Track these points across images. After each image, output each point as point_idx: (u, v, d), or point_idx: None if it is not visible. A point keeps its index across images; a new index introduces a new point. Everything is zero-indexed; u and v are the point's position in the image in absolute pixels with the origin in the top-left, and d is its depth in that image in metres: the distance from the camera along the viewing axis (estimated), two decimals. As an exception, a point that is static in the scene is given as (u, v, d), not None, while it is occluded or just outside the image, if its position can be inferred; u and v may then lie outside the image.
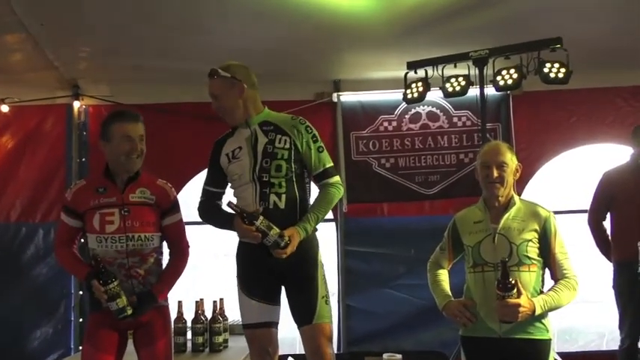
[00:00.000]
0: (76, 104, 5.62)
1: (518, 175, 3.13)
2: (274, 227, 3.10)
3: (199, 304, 4.40)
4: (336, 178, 3.39)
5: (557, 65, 4.39)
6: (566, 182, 6.65)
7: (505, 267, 2.83)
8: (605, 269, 4.92)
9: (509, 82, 4.53)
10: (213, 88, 3.32)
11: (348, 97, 5.71)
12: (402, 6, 4.38)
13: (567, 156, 5.67)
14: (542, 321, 2.95)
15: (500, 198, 3.05)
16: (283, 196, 3.26)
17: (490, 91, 4.71)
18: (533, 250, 2.98)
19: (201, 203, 3.43)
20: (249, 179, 3.26)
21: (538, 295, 2.95)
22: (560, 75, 4.40)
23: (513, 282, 2.82)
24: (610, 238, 4.82)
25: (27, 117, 5.64)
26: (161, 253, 3.34)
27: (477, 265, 3.03)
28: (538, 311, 2.86)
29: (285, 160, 3.27)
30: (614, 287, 4.77)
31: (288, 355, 4.78)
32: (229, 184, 3.41)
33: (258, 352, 3.27)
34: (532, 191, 5.33)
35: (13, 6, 4.21)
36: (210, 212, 3.41)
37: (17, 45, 4.75)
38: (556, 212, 3.13)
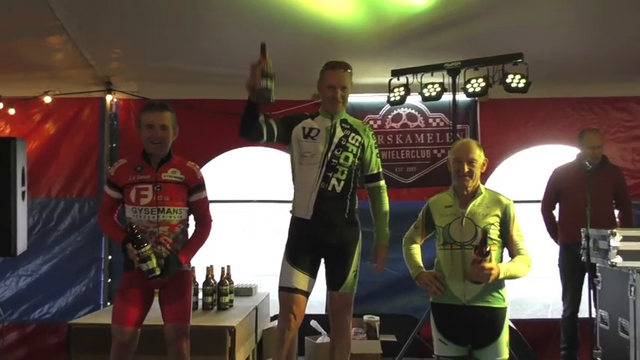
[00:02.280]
0: (109, 98, 5.55)
1: (484, 168, 3.11)
2: None
3: (209, 270, 4.38)
4: (384, 182, 3.45)
5: (518, 77, 4.36)
6: (522, 176, 6.65)
7: (485, 236, 2.81)
8: (550, 250, 4.92)
9: (477, 89, 4.49)
10: (346, 80, 3.31)
11: (340, 99, 5.63)
12: (387, 22, 4.34)
13: (524, 154, 5.64)
14: (500, 292, 2.94)
15: (469, 188, 3.02)
16: (342, 183, 3.26)
17: (461, 97, 4.67)
18: (494, 232, 2.96)
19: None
20: (319, 160, 3.24)
21: None
22: (521, 85, 4.37)
23: (489, 250, 2.79)
24: (557, 224, 4.82)
25: (66, 107, 5.56)
26: (187, 225, 3.34)
27: (446, 244, 3.01)
28: (501, 276, 2.84)
29: (353, 155, 3.28)
30: (559, 265, 4.77)
31: (311, 318, 4.74)
32: (295, 160, 3.33)
33: (286, 314, 3.25)
34: (494, 183, 5.31)
35: (56, 12, 4.15)
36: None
37: (59, 46, 4.68)
38: (514, 201, 3.10)
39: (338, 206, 3.26)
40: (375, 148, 3.42)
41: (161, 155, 3.24)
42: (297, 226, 3.33)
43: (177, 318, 3.23)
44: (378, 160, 3.44)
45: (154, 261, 3.08)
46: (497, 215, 2.97)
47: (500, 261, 3.00)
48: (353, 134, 3.33)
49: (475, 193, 3.03)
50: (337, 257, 3.30)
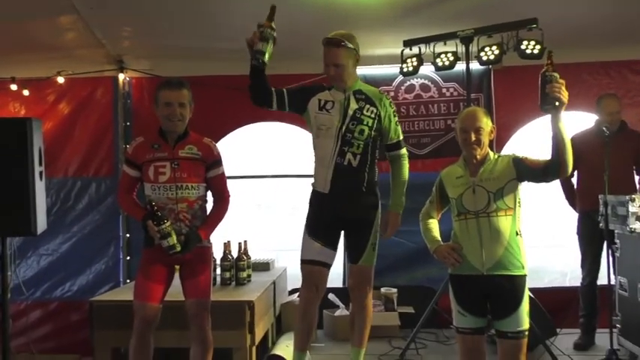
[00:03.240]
0: (121, 77, 5.56)
1: (493, 135, 3.07)
2: None
3: (227, 245, 4.41)
4: (405, 150, 3.41)
5: (533, 43, 4.28)
6: (539, 144, 6.56)
7: (550, 55, 2.84)
8: (567, 218, 4.88)
9: (491, 57, 4.42)
10: (338, 57, 3.19)
11: (352, 71, 5.59)
12: (399, -9, 4.28)
13: (541, 122, 5.57)
14: (519, 259, 2.92)
15: (477, 157, 2.99)
16: (358, 157, 3.24)
17: (474, 65, 4.61)
18: (508, 196, 2.92)
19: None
20: (334, 134, 3.21)
21: (517, 237, 2.91)
22: (536, 51, 4.29)
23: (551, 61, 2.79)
24: (576, 191, 4.78)
25: (79, 87, 5.59)
26: (205, 201, 3.36)
27: (460, 214, 2.99)
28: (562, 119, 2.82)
29: (369, 127, 3.24)
30: (578, 233, 4.74)
31: (329, 291, 4.78)
32: (313, 132, 3.32)
33: (309, 286, 3.29)
34: (510, 151, 5.26)
35: (66, -10, 4.14)
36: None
37: (70, 25, 4.68)
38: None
39: (355, 180, 3.25)
40: (394, 116, 3.37)
41: (178, 132, 3.25)
42: (316, 200, 3.34)
43: (199, 293, 3.27)
44: (398, 128, 3.40)
45: (174, 237, 3.12)
46: (510, 174, 2.92)
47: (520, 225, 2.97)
48: (368, 105, 3.29)
49: (484, 160, 3.00)
50: (356, 230, 3.31)
